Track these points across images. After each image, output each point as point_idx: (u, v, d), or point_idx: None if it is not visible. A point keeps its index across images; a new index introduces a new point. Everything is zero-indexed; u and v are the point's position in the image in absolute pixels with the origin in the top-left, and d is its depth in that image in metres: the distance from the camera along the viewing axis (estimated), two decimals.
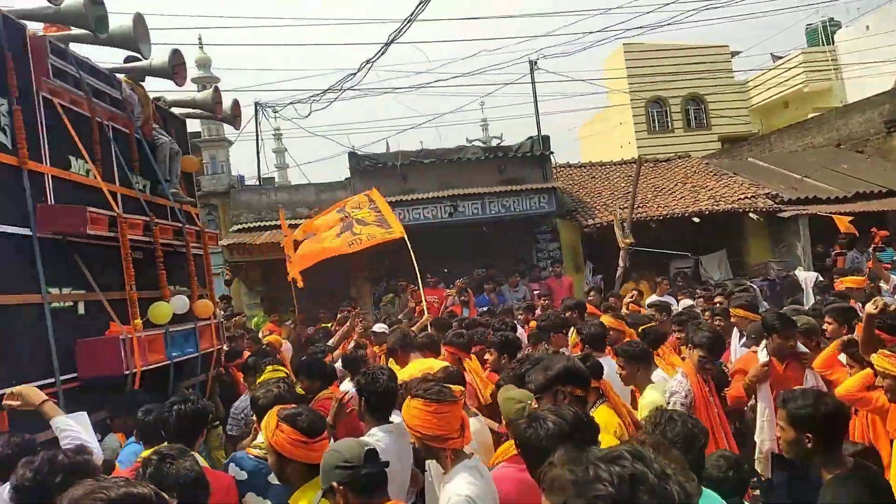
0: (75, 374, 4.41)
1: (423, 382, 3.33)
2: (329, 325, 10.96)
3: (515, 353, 5.06)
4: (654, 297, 9.72)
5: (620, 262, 12.08)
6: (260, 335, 9.19)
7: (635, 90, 25.98)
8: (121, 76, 5.80)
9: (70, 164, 4.85)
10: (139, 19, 5.17)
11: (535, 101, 15.74)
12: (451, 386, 3.04)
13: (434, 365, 4.20)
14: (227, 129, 16.18)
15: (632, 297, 8.40)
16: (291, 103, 15.46)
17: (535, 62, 15.78)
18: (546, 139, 14.94)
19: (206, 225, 14.66)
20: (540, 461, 1.94)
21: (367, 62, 15.29)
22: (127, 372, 4.51)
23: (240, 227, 14.36)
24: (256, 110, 15.31)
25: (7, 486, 2.45)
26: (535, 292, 12.27)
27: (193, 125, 11.50)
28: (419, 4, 13.66)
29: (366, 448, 2.46)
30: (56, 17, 4.67)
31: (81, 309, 4.65)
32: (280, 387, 3.57)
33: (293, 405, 3.07)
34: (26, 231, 4.25)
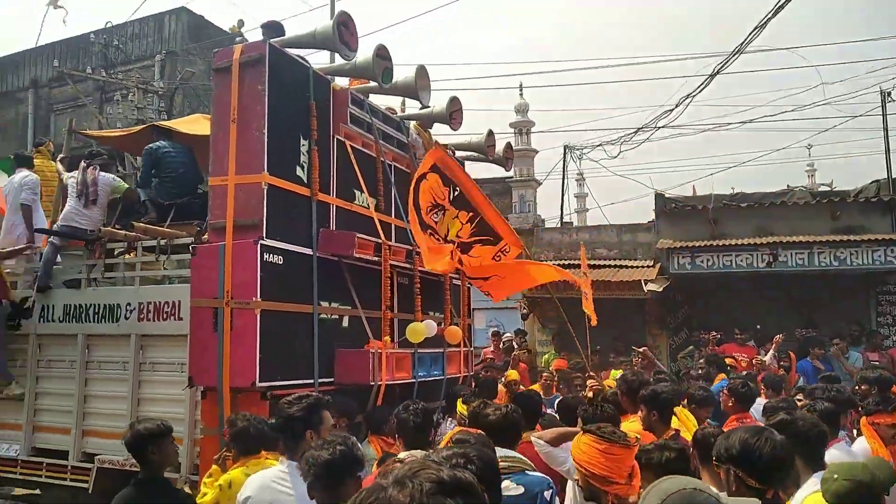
0: (332, 379, 5.21)
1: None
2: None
3: (666, 412, 4.45)
4: None
5: None
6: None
7: None
8: (411, 123, 6.70)
9: (355, 197, 5.77)
10: (421, 71, 5.97)
11: (886, 137, 13.57)
12: (628, 432, 3.01)
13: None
14: (537, 170, 17.15)
15: None
16: (600, 145, 15.73)
17: (889, 93, 13.63)
18: None
19: None
20: None
21: (687, 97, 14.86)
22: (373, 383, 5.17)
23: None
24: (565, 153, 15.94)
25: None
26: (874, 363, 10.51)
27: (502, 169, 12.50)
28: (752, 32, 12.87)
29: None
30: (352, 72, 5.66)
31: (346, 322, 5.48)
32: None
33: None
34: (308, 251, 5.20)
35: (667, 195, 15.35)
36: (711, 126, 25.61)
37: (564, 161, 16.05)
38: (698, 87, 13.71)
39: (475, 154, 7.51)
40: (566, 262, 15.12)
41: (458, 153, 7.55)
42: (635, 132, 15.41)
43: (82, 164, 6.08)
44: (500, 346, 12.62)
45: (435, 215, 5.71)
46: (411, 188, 5.55)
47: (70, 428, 5.90)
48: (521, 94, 16.80)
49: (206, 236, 5.10)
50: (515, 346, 12.78)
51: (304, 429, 3.18)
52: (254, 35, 15.92)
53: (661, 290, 14.16)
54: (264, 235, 4.80)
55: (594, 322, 11.11)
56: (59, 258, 6.18)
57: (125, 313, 5.64)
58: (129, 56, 15.65)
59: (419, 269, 6.00)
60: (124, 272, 5.81)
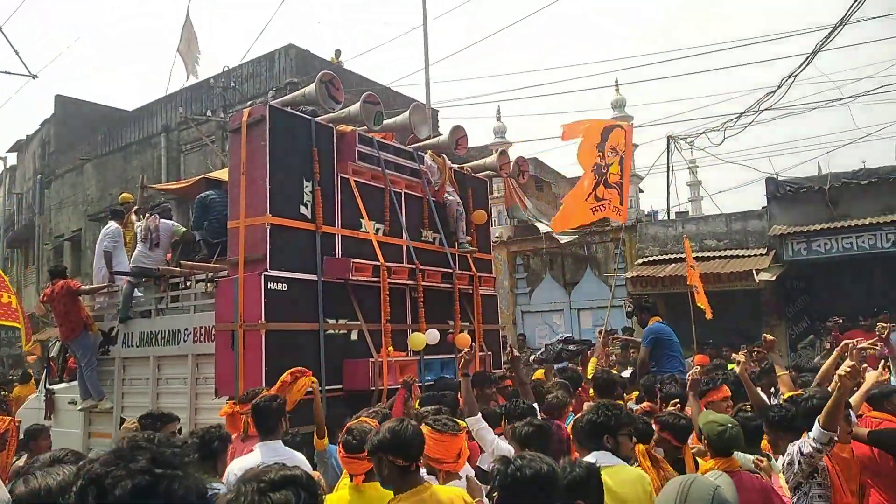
0: (340, 386, 6.37)
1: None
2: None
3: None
4: None
5: None
6: None
7: None
8: (427, 152, 7.75)
9: (360, 225, 6.91)
10: (416, 108, 7.02)
11: None
12: (459, 421, 3.91)
13: None
14: (639, 165, 17.27)
15: None
16: (704, 132, 15.67)
17: None
18: None
19: (615, 261, 15.93)
20: None
21: (790, 76, 14.59)
22: (374, 388, 6.27)
23: (644, 260, 15.32)
24: (668, 144, 16.04)
25: None
26: None
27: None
28: (853, 4, 12.73)
29: None
30: (348, 120, 6.80)
31: (354, 335, 6.62)
32: None
33: None
34: (314, 277, 6.40)
35: (780, 178, 15.07)
36: (818, 103, 23.72)
37: (668, 152, 16.16)
38: (800, 65, 13.44)
39: (492, 173, 8.39)
40: (673, 257, 15.32)
41: (478, 174, 8.48)
42: (738, 117, 15.27)
43: (146, 213, 7.75)
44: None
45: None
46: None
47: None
48: (616, 90, 17.02)
49: (226, 271, 6.48)
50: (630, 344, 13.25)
51: None
52: (351, 64, 17.45)
53: (773, 278, 13.99)
54: (268, 267, 6.07)
55: (709, 315, 11.46)
56: (139, 293, 7.91)
57: (183, 337, 7.15)
58: (245, 95, 17.84)
59: (423, 283, 7.03)
60: (182, 302, 7.37)
